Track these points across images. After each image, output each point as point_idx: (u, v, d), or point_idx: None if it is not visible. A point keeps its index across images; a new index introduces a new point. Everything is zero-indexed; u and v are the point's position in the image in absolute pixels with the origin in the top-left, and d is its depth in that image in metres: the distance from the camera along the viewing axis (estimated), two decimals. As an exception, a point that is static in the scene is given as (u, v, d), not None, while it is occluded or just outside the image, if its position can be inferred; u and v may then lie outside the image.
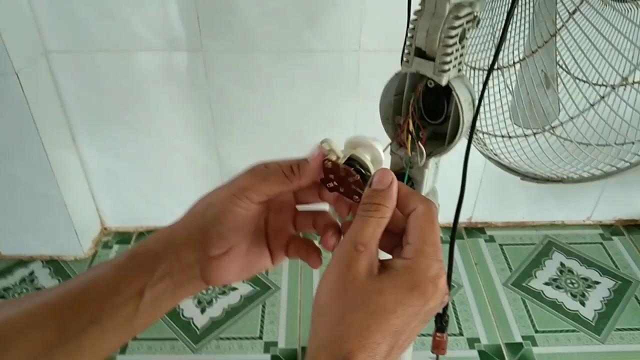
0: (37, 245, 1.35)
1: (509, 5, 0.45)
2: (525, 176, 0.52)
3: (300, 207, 0.44)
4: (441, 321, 0.66)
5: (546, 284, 1.31)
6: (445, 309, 0.65)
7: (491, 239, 1.45)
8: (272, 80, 1.18)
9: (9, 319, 0.35)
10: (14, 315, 0.35)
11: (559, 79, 0.47)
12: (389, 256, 0.37)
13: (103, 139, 1.28)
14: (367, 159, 0.39)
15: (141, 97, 1.20)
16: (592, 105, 0.44)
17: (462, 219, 1.47)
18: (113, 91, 1.19)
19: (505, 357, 1.13)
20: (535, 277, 1.33)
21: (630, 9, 0.48)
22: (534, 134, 0.47)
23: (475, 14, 0.49)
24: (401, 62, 0.66)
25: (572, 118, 0.44)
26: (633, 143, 0.44)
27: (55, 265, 1.36)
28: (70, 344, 0.35)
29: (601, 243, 1.44)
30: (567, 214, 1.48)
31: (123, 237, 1.44)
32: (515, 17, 0.52)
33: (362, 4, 1.07)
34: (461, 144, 0.52)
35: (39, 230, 1.32)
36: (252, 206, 0.38)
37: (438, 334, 0.67)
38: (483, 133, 0.55)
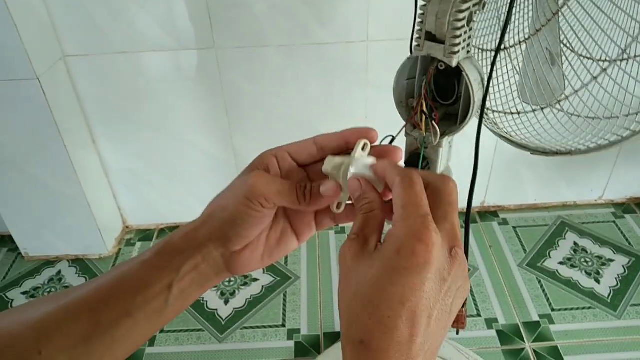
0: (62, 246, 1.39)
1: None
2: (535, 151, 0.55)
3: None
4: (460, 296, 0.69)
5: (561, 263, 1.33)
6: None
7: (505, 222, 1.47)
8: (283, 74, 1.21)
9: (49, 313, 0.37)
10: (53, 310, 0.38)
11: (563, 56, 0.49)
12: None
13: (121, 139, 1.32)
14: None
15: (157, 96, 1.24)
16: (594, 78, 0.46)
17: (476, 203, 1.50)
18: (129, 91, 1.23)
19: (524, 335, 1.15)
20: (550, 257, 1.35)
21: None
22: (542, 109, 0.49)
23: (481, -3, 0.51)
24: (410, 48, 0.69)
25: (576, 91, 0.46)
26: (637, 113, 0.47)
27: (81, 264, 1.40)
28: (105, 335, 0.38)
29: (614, 221, 1.46)
30: (578, 194, 1.50)
31: (145, 235, 1.48)
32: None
33: (369, -5, 1.10)
34: (472, 123, 0.54)
35: (64, 231, 1.36)
36: (265, 211, 0.40)
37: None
38: (493, 111, 0.57)
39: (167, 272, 0.40)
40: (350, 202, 0.42)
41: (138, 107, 1.25)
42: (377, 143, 0.42)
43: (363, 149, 0.40)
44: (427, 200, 0.34)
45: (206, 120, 1.29)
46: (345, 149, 0.42)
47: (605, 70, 0.42)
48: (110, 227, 1.43)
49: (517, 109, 0.54)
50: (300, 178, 0.44)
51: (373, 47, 1.17)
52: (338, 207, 0.41)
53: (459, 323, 0.71)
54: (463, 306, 0.71)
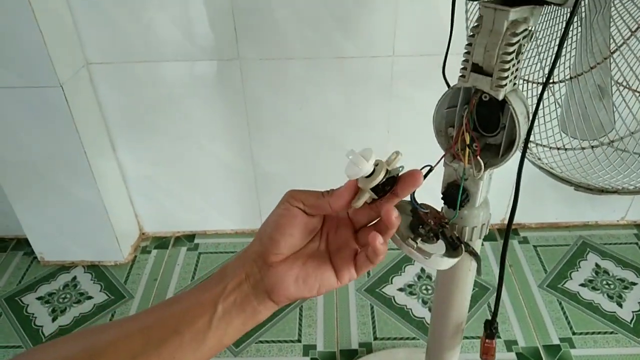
0: (78, 251, 1.39)
1: (564, 17, 0.46)
2: (578, 186, 0.53)
3: None
4: (491, 328, 0.68)
5: (582, 285, 1.31)
6: (495, 316, 0.66)
7: (525, 240, 1.45)
8: (306, 86, 1.20)
9: (105, 333, 0.40)
10: (109, 330, 0.40)
11: (617, 92, 0.47)
12: None
13: (141, 146, 1.31)
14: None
15: (178, 105, 1.23)
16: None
17: (496, 220, 1.47)
18: (151, 100, 1.22)
19: (544, 359, 1.13)
20: (571, 278, 1.33)
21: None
22: (592, 147, 0.48)
23: (530, 28, 0.49)
24: (442, 71, 0.68)
25: (632, 133, 0.44)
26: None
27: (96, 270, 1.39)
28: (152, 353, 0.39)
29: (636, 243, 1.43)
30: (600, 214, 1.47)
31: (161, 242, 1.47)
32: (570, 33, 0.53)
33: (396, 9, 1.08)
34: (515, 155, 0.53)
35: (81, 237, 1.35)
36: (292, 209, 0.43)
37: (487, 340, 0.68)
38: (537, 144, 0.56)
39: (215, 290, 0.42)
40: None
41: (158, 115, 1.25)
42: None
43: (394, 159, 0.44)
44: None
45: (226, 130, 1.28)
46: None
47: None
48: (127, 234, 1.42)
49: (563, 145, 0.52)
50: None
51: (398, 62, 1.16)
52: (355, 200, 0.44)
53: (488, 355, 0.69)
54: (493, 338, 0.70)
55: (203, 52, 1.15)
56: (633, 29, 0.42)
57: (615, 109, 0.48)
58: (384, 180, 0.43)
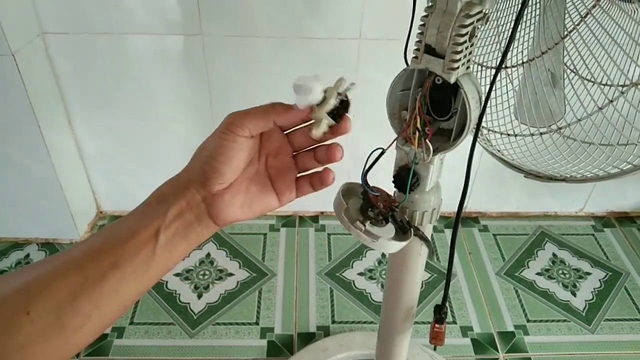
0: (32, 228, 1.35)
1: (519, 5, 0.45)
2: (528, 174, 0.53)
3: None
4: (440, 312, 0.68)
5: (538, 274, 1.33)
6: (444, 301, 0.66)
7: (485, 229, 1.46)
8: (272, 66, 1.18)
9: (38, 275, 0.38)
10: (42, 272, 0.38)
11: (567, 80, 0.47)
12: None
13: (99, 122, 1.27)
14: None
15: (138, 80, 1.19)
16: (600, 109, 0.44)
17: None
18: (110, 74, 1.18)
19: (498, 345, 1.15)
20: (528, 267, 1.35)
21: (637, 9, 0.48)
22: (541, 133, 0.47)
23: (485, 11, 0.49)
24: (405, 52, 0.66)
25: (579, 120, 0.44)
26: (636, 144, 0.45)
27: (50, 248, 1.35)
28: (93, 290, 0.38)
29: (593, 234, 1.46)
30: (560, 205, 1.50)
31: (119, 221, 1.44)
32: (523, 17, 0.53)
33: (364, -8, 1.07)
34: (466, 140, 0.52)
35: (35, 213, 1.31)
36: (237, 138, 0.42)
37: (437, 325, 0.68)
38: (488, 130, 0.55)
39: (154, 219, 0.40)
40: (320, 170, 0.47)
41: (118, 90, 1.21)
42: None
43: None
44: None
45: (188, 109, 1.25)
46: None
47: (612, 101, 0.40)
48: (83, 212, 1.38)
49: (514, 131, 0.51)
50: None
51: (365, 45, 1.14)
52: (315, 129, 0.43)
53: (437, 340, 0.69)
54: (442, 323, 0.70)
55: (165, 26, 1.11)
56: (583, 15, 0.41)
57: (565, 97, 0.48)
58: (338, 104, 0.43)
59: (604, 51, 0.41)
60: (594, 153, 0.46)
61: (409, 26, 0.67)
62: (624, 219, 1.52)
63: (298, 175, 0.48)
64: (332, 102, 0.42)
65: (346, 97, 0.43)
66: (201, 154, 0.43)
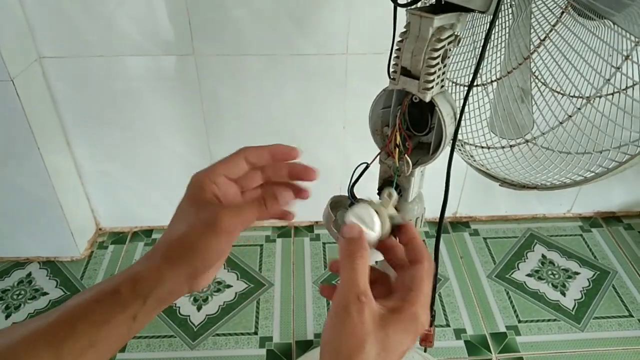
0: (33, 247, 1.37)
1: (487, 29, 0.49)
2: (503, 182, 0.57)
3: None
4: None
5: (528, 275, 1.37)
6: (432, 304, 0.70)
7: (475, 233, 1.50)
8: (263, 82, 1.22)
9: (8, 347, 0.36)
10: (11, 344, 0.36)
11: (537, 92, 0.51)
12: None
13: (96, 141, 1.30)
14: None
15: (134, 100, 1.23)
16: (570, 117, 0.48)
17: (448, 213, 1.52)
18: (106, 94, 1.22)
19: (490, 346, 1.18)
20: (518, 269, 1.38)
21: (598, 26, 0.52)
22: (510, 146, 0.51)
23: (456, 34, 0.53)
24: (388, 65, 0.70)
25: (543, 133, 0.48)
26: (600, 152, 0.49)
27: (52, 266, 1.38)
28: None
29: (581, 235, 1.50)
30: (547, 207, 1.54)
31: (118, 237, 1.47)
32: (493, 36, 0.57)
33: (349, 9, 1.11)
34: (445, 152, 0.56)
35: (35, 232, 1.34)
36: (230, 240, 0.42)
37: (426, 328, 0.71)
38: (464, 143, 0.59)
39: (132, 307, 0.40)
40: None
41: (114, 110, 1.24)
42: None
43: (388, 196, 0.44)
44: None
45: (183, 126, 1.28)
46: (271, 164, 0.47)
47: (580, 109, 0.44)
48: (83, 230, 1.41)
49: (487, 144, 0.55)
50: (234, 192, 0.47)
51: (352, 60, 1.19)
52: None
53: (427, 342, 0.73)
54: (431, 325, 0.73)
55: (158, 47, 1.15)
56: (542, 38, 0.45)
57: (533, 111, 0.52)
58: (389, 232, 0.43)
59: (570, 64, 0.45)
60: (556, 162, 0.50)
61: (390, 44, 0.72)
62: (610, 219, 1.56)
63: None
64: (385, 233, 0.43)
65: (398, 222, 0.43)
66: (191, 248, 0.41)
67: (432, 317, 0.71)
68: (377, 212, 0.42)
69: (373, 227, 0.41)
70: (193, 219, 0.42)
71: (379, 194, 0.60)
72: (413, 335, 0.39)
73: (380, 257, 0.55)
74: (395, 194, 0.44)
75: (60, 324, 0.38)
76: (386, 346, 0.37)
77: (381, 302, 0.39)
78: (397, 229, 0.43)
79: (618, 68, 0.40)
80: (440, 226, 0.60)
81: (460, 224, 1.53)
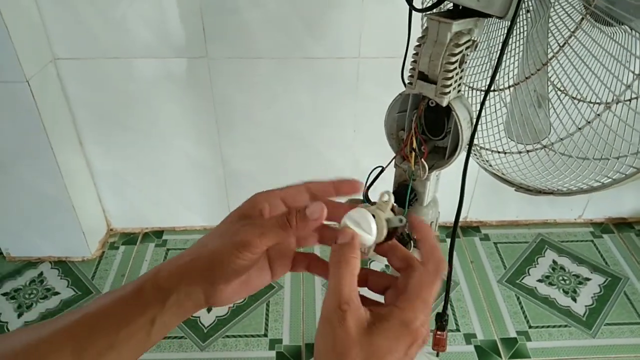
0: (45, 247, 1.39)
1: (504, 35, 0.49)
2: (519, 187, 0.57)
3: None
4: (441, 320, 0.71)
5: (539, 280, 1.36)
6: (445, 309, 0.70)
7: (486, 238, 1.50)
8: (274, 85, 1.22)
9: (30, 344, 0.37)
10: (34, 342, 0.37)
11: (555, 98, 0.51)
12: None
13: (109, 143, 1.31)
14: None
15: (146, 102, 1.24)
16: (588, 122, 0.48)
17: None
18: (119, 96, 1.23)
19: (501, 352, 1.18)
20: (529, 274, 1.38)
21: (616, 32, 0.52)
22: (527, 151, 0.51)
23: (473, 39, 0.53)
24: (402, 70, 0.71)
25: (562, 139, 0.48)
26: (617, 158, 0.49)
27: (63, 266, 1.39)
28: None
29: (592, 241, 1.49)
30: (559, 212, 1.53)
31: (129, 238, 1.48)
32: (510, 41, 0.57)
33: (362, 13, 1.11)
34: (460, 157, 0.56)
35: (48, 232, 1.35)
36: (252, 257, 0.41)
37: (438, 332, 0.71)
38: (480, 148, 0.59)
39: (152, 308, 0.40)
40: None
41: (127, 111, 1.25)
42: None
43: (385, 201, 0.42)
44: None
45: (195, 128, 1.29)
46: (334, 197, 0.44)
47: (599, 115, 0.44)
48: (95, 230, 1.42)
49: (503, 149, 0.55)
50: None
51: (364, 64, 1.19)
52: (366, 251, 0.42)
53: (439, 346, 0.73)
54: (444, 330, 0.73)
55: (172, 50, 1.16)
56: (561, 44, 0.45)
57: (550, 116, 0.52)
58: (386, 237, 0.42)
59: (589, 70, 0.45)
60: (573, 167, 0.50)
61: (405, 48, 0.72)
62: (622, 225, 1.55)
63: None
64: (382, 238, 0.42)
65: (397, 225, 0.42)
66: (211, 257, 0.42)
67: (445, 321, 0.71)
68: (373, 216, 0.41)
69: (370, 231, 0.40)
70: (226, 231, 0.43)
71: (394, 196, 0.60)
72: (406, 342, 0.37)
73: (385, 261, 0.55)
74: (392, 197, 0.43)
75: (84, 321, 0.39)
76: (373, 353, 0.36)
77: (373, 309, 0.38)
78: (394, 232, 0.42)
79: (639, 75, 0.40)
80: (454, 231, 0.60)
81: (471, 229, 1.53)
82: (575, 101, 0.52)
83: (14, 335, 0.39)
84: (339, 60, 1.18)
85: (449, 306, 1.28)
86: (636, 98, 0.42)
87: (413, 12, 0.64)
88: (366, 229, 0.40)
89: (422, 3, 0.68)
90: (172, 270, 0.42)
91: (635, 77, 0.41)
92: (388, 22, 1.12)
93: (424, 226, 0.42)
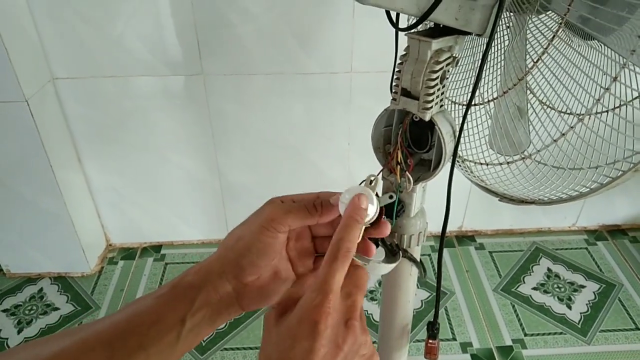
0: (45, 263, 1.40)
1: (483, 47, 0.52)
2: (502, 197, 0.59)
3: None
4: (432, 328, 0.72)
5: (534, 288, 1.37)
6: (435, 317, 0.71)
7: (481, 247, 1.51)
8: (269, 100, 1.25)
9: (65, 348, 0.38)
10: (68, 345, 0.38)
11: (531, 108, 0.53)
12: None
13: (107, 159, 1.33)
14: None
15: (143, 118, 1.26)
16: (563, 135, 0.50)
17: (453, 227, 1.54)
18: (116, 113, 1.25)
19: None
20: (524, 282, 1.39)
21: (590, 47, 0.54)
22: (508, 162, 0.53)
23: (454, 56, 0.55)
24: (390, 89, 0.73)
25: (538, 151, 0.50)
26: (596, 168, 0.51)
27: (63, 281, 1.41)
28: None
29: (586, 248, 1.51)
30: (553, 220, 1.55)
31: (128, 253, 1.49)
32: (491, 57, 0.59)
33: (353, 29, 1.14)
34: (446, 168, 0.58)
35: (47, 248, 1.37)
36: (278, 235, 0.42)
37: (430, 341, 0.73)
38: (464, 160, 0.61)
39: (181, 305, 0.41)
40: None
41: (124, 128, 1.28)
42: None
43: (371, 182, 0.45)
44: (341, 280, 0.38)
45: (192, 143, 1.31)
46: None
47: (572, 127, 0.46)
48: (93, 245, 1.44)
49: (485, 160, 0.57)
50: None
51: (356, 78, 1.21)
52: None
53: (431, 354, 0.74)
54: (435, 338, 0.75)
55: (168, 68, 1.18)
56: (535, 60, 0.47)
57: (529, 128, 0.54)
58: (377, 215, 0.44)
59: (562, 84, 0.47)
60: (553, 178, 0.51)
61: (393, 64, 0.74)
62: (615, 232, 1.57)
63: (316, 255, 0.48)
64: (375, 215, 0.43)
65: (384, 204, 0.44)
66: (236, 245, 0.43)
67: (437, 329, 0.72)
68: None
69: (372, 200, 0.43)
70: (250, 218, 0.44)
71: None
72: (308, 340, 0.35)
73: (385, 271, 0.57)
74: (379, 179, 0.45)
75: (113, 323, 0.40)
76: (274, 351, 0.36)
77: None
78: (381, 213, 0.44)
79: (607, 89, 0.42)
80: (442, 240, 0.62)
81: (466, 238, 1.54)
82: (551, 114, 0.54)
83: (49, 339, 0.39)
84: (332, 75, 1.21)
85: (444, 315, 1.29)
86: (606, 111, 0.44)
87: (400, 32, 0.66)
88: (370, 200, 0.43)
89: (408, 20, 0.71)
90: (202, 264, 0.43)
91: (603, 90, 0.43)
92: (379, 37, 1.15)
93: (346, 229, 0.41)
